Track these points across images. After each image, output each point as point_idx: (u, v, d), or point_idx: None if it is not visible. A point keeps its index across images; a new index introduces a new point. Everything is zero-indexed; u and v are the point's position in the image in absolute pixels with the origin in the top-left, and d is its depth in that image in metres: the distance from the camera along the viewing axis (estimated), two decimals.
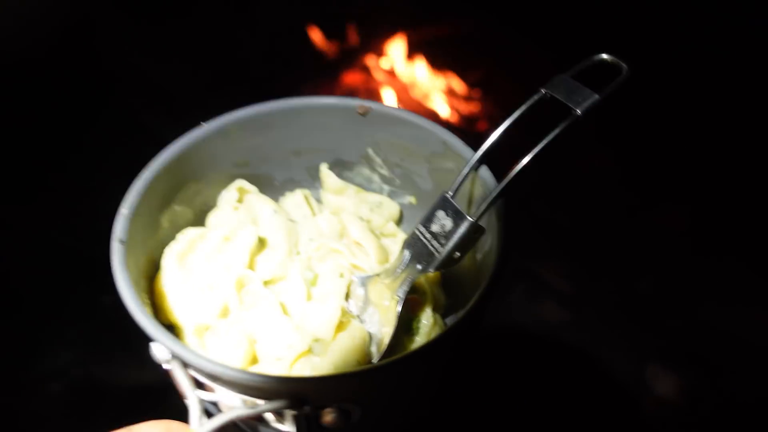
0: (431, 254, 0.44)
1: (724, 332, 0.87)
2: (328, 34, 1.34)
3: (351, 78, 1.26)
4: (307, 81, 1.21)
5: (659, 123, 1.17)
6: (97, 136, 1.05)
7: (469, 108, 1.21)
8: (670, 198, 1.07)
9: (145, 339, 0.38)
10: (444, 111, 1.17)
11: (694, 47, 1.23)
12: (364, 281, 0.48)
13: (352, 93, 1.20)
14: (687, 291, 0.93)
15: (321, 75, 1.26)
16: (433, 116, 1.13)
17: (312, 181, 0.57)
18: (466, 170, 0.45)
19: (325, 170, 0.55)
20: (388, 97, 1.14)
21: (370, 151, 0.55)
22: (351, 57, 1.35)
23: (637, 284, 0.95)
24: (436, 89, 1.21)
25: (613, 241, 1.01)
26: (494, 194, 0.42)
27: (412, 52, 1.33)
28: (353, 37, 1.36)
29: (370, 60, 1.34)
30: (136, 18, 1.15)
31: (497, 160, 0.47)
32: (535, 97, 0.44)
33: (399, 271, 0.46)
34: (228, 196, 0.53)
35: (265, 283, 0.47)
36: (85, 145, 1.04)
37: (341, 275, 0.48)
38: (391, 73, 1.24)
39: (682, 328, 0.88)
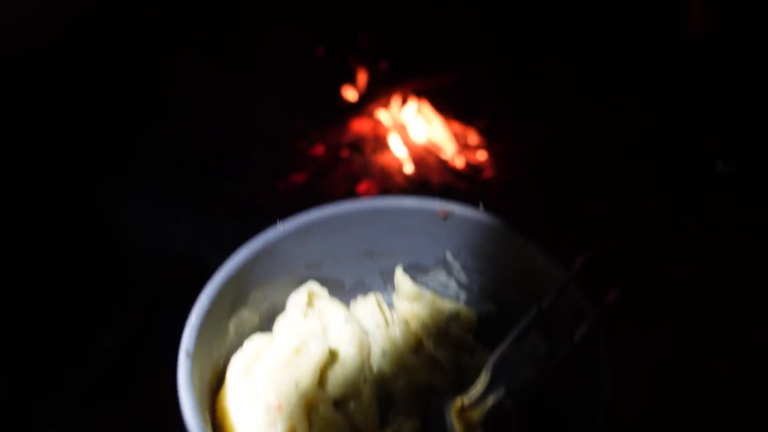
0: (522, 379, 0.40)
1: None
2: (334, 81, 1.33)
3: (358, 126, 1.23)
4: (313, 128, 1.19)
5: None
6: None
7: (476, 156, 1.15)
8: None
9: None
10: (450, 158, 1.12)
11: None
12: (442, 403, 0.44)
13: (359, 140, 1.16)
14: None
15: (328, 122, 1.23)
16: (440, 164, 1.06)
17: (384, 284, 0.54)
18: (557, 289, 0.41)
19: (400, 274, 0.52)
20: (396, 145, 1.10)
21: (449, 256, 0.51)
22: (358, 105, 1.31)
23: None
24: (442, 137, 1.17)
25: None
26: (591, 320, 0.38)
27: (418, 99, 1.30)
28: (361, 83, 1.34)
29: (377, 108, 1.30)
30: None
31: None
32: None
33: (481, 395, 0.42)
34: (298, 299, 0.50)
35: (336, 401, 0.43)
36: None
37: (417, 395, 0.44)
38: (397, 121, 1.20)
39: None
